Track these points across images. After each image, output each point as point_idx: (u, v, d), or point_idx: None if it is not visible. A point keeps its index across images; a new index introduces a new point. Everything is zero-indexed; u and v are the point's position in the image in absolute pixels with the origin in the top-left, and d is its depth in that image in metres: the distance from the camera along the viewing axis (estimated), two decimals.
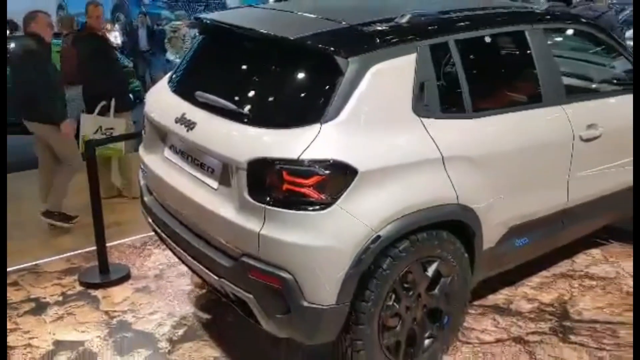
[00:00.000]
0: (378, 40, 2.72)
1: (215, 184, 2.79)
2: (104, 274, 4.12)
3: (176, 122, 2.95)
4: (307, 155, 2.46)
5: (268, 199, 2.53)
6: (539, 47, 3.24)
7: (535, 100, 3.25)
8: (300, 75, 2.76)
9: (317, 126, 2.52)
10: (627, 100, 3.68)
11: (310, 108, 2.59)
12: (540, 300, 3.72)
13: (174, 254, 3.29)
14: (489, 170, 2.95)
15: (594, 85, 3.87)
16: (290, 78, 2.78)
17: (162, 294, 3.93)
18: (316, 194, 2.48)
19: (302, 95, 2.70)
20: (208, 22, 3.32)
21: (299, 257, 2.52)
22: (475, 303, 3.63)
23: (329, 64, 2.60)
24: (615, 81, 3.83)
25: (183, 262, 3.22)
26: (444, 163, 2.76)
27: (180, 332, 3.48)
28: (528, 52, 3.23)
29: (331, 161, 2.48)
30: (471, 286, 3.12)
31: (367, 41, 2.72)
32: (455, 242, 2.89)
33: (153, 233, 3.51)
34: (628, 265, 4.13)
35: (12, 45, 5.98)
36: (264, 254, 2.57)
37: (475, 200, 2.90)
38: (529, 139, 3.13)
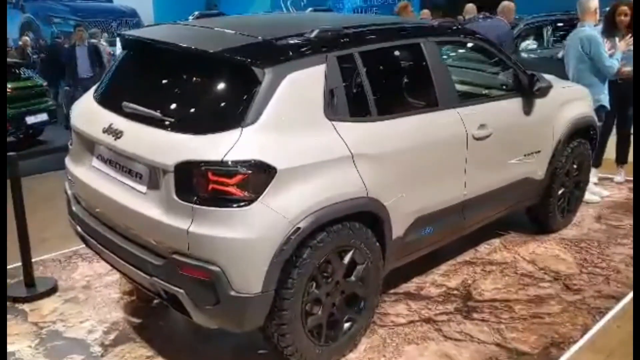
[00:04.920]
0: (291, 53, 3.02)
1: (143, 189, 2.97)
2: (31, 288, 4.14)
3: (104, 132, 3.12)
4: (230, 157, 2.71)
5: (195, 198, 2.75)
6: (433, 57, 3.66)
7: (432, 104, 3.65)
8: (221, 85, 3.01)
9: (238, 130, 2.77)
10: (513, 103, 4.18)
11: (232, 114, 2.84)
12: (447, 285, 4.12)
13: (104, 259, 3.42)
14: (394, 166, 3.31)
15: (484, 91, 4.36)
16: (212, 88, 3.02)
17: (91, 303, 4.01)
18: (240, 191, 2.73)
19: (224, 103, 2.95)
20: (132, 38, 3.51)
21: (226, 251, 2.74)
22: (390, 291, 3.97)
23: (247, 74, 2.87)
24: (502, 87, 4.33)
25: (113, 266, 3.36)
26: (353, 160, 3.08)
27: (112, 336, 3.59)
28: (424, 62, 3.64)
29: (252, 161, 2.73)
30: (384, 273, 3.45)
31: (281, 53, 3.01)
32: (367, 232, 3.21)
33: (78, 247, 3.60)
34: (522, 251, 4.63)
35: None
36: (193, 250, 2.78)
37: (383, 193, 3.24)
38: (427, 138, 3.53)
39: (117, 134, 3.03)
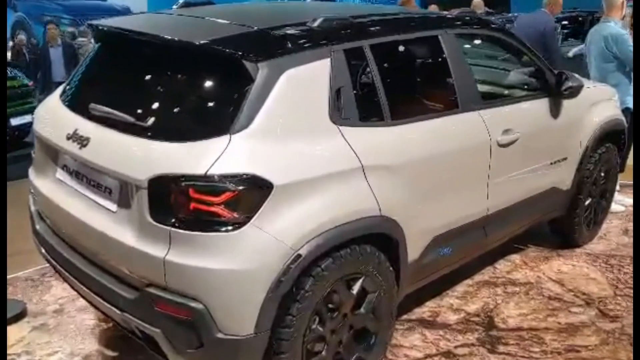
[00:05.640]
0: (290, 45, 2.54)
1: (113, 207, 2.50)
2: None
3: (68, 138, 2.64)
4: (216, 170, 2.23)
5: (173, 220, 2.27)
6: (453, 52, 3.18)
7: (451, 106, 3.18)
8: (207, 83, 2.52)
9: (226, 137, 2.30)
10: (539, 104, 3.71)
11: (218, 118, 2.37)
12: (466, 310, 3.65)
13: (72, 287, 2.94)
14: (410, 179, 2.83)
15: (507, 91, 3.88)
16: (195, 86, 2.54)
17: (62, 331, 3.53)
18: (228, 212, 2.25)
19: (209, 104, 2.47)
20: (105, 28, 3.02)
21: (210, 284, 2.27)
22: (402, 317, 3.50)
23: (237, 70, 2.39)
24: (527, 87, 3.86)
25: (82, 296, 2.87)
26: (364, 173, 2.61)
27: None
28: (442, 57, 3.17)
29: (243, 175, 2.26)
30: (397, 301, 2.98)
31: (278, 45, 2.53)
32: (380, 256, 2.74)
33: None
34: (547, 269, 4.16)
35: None
36: (171, 283, 2.30)
37: (397, 210, 2.76)
38: (447, 145, 3.05)
39: (83, 142, 2.55)
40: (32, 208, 3.11)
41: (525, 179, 3.65)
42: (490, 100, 3.51)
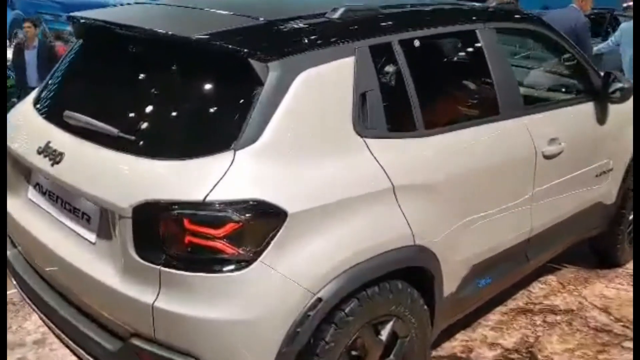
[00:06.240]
0: (306, 40, 2.10)
1: (92, 237, 2.06)
2: None
3: (39, 153, 2.19)
4: (217, 195, 1.79)
5: (164, 257, 1.83)
6: (492, 49, 2.73)
7: (491, 112, 2.72)
8: (206, 88, 2.07)
9: (229, 154, 1.85)
10: (585, 110, 3.25)
11: (220, 130, 1.92)
12: (502, 344, 3.19)
13: (49, 329, 2.49)
14: (446, 200, 2.38)
15: (549, 95, 3.42)
16: (192, 92, 2.08)
17: None
18: (231, 247, 1.81)
19: (208, 113, 2.02)
20: (86, 22, 2.56)
21: (209, 338, 1.82)
22: (430, 354, 3.04)
23: (242, 72, 1.95)
24: (571, 89, 3.40)
25: (60, 340, 2.43)
26: (395, 194, 2.16)
27: None
28: (481, 55, 2.71)
29: (250, 201, 1.81)
30: (431, 342, 2.53)
31: (292, 41, 2.09)
32: (413, 292, 2.29)
33: None
34: (588, 294, 3.70)
35: None
36: (160, 334, 1.86)
37: (433, 238, 2.32)
38: (488, 159, 2.60)
39: (56, 157, 2.11)
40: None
41: (570, 195, 3.20)
42: (533, 104, 3.05)
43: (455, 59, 3.19)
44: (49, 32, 15.26)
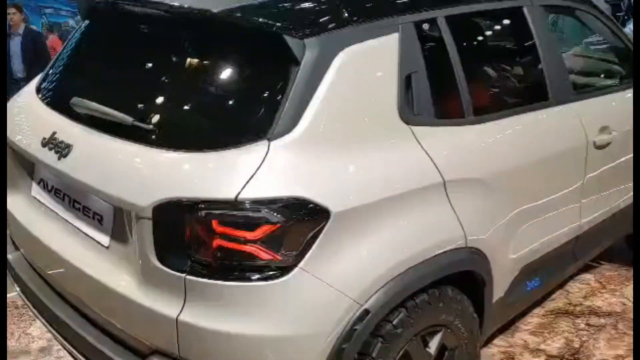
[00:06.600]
0: (346, 14, 1.84)
1: (105, 240, 1.81)
2: None
3: (43, 145, 1.95)
4: (251, 193, 1.54)
5: (189, 264, 1.59)
6: (540, 28, 2.47)
7: (540, 97, 2.46)
8: (234, 69, 1.81)
9: (263, 145, 1.60)
10: (630, 95, 2.99)
11: (252, 118, 1.68)
12: (546, 351, 2.95)
13: (57, 342, 2.26)
14: (497, 195, 2.13)
15: (596, 79, 3.16)
16: (218, 74, 1.84)
17: None
18: (267, 252, 1.56)
19: (238, 98, 1.76)
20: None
21: (241, 357, 1.58)
22: None
23: (276, 50, 1.70)
24: (617, 74, 3.14)
25: (70, 354, 2.18)
26: (445, 189, 1.91)
27: None
28: (529, 34, 2.45)
29: (289, 199, 1.57)
30: (479, 354, 2.29)
31: (331, 14, 1.83)
32: (462, 299, 2.04)
33: None
34: (629, 292, 3.45)
35: None
36: (185, 352, 1.63)
37: (484, 238, 2.07)
38: (541, 149, 2.35)
39: (63, 150, 1.86)
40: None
41: (618, 187, 2.95)
42: (582, 89, 2.79)
43: (500, 37, 2.93)
44: (47, 24, 14.82)
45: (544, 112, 2.43)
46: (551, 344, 3.00)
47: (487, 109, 2.21)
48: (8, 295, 3.61)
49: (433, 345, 1.97)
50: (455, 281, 2.01)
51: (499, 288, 2.25)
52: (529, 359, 2.90)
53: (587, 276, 3.66)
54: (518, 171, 2.22)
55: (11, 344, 3.16)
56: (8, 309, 3.50)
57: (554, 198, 2.46)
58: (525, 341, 3.03)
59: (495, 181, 2.11)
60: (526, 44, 2.47)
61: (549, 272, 2.59)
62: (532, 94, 2.49)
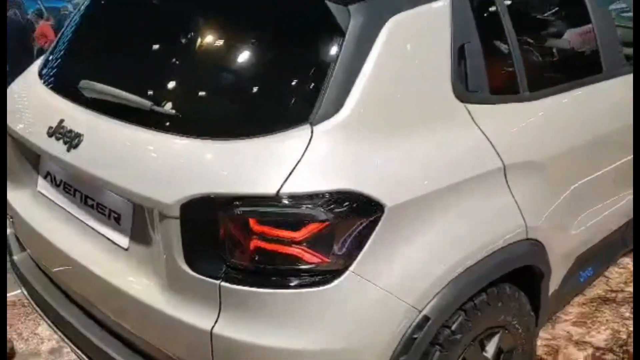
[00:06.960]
0: None
1: (123, 241, 1.60)
2: None
3: (50, 134, 1.73)
4: (294, 186, 1.33)
5: (224, 269, 1.38)
6: None
7: (595, 70, 2.23)
8: (268, 44, 1.58)
9: (305, 130, 1.39)
10: None
11: (290, 99, 1.46)
12: (591, 343, 2.75)
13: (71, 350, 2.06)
14: (555, 179, 1.92)
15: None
16: (249, 49, 1.60)
17: None
18: (314, 254, 1.35)
19: (274, 77, 1.53)
20: None
21: None
22: None
23: (316, 19, 1.47)
24: None
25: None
26: (505, 175, 1.70)
27: None
28: (582, 3, 2.22)
29: (338, 193, 1.35)
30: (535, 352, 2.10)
31: None
32: (520, 297, 1.84)
33: None
34: None
35: None
36: None
37: (543, 228, 1.86)
38: (598, 127, 2.13)
39: (72, 139, 1.64)
40: (9, 230, 2.22)
41: None
42: (629, 61, 2.56)
43: (554, 6, 2.69)
44: (36, 10, 14.18)
45: (598, 86, 2.20)
46: (596, 335, 2.81)
47: (542, 83, 1.98)
48: (14, 294, 3.44)
49: (490, 349, 1.77)
50: (512, 277, 1.80)
51: (555, 280, 2.05)
52: (575, 352, 2.70)
53: (624, 260, 3.46)
54: (575, 151, 2.01)
55: (20, 345, 2.97)
56: (14, 308, 3.32)
57: (608, 180, 2.24)
58: (568, 332, 2.84)
59: (552, 164, 1.89)
60: (577, 8, 2.23)
61: (601, 260, 2.40)
62: (586, 66, 2.27)
